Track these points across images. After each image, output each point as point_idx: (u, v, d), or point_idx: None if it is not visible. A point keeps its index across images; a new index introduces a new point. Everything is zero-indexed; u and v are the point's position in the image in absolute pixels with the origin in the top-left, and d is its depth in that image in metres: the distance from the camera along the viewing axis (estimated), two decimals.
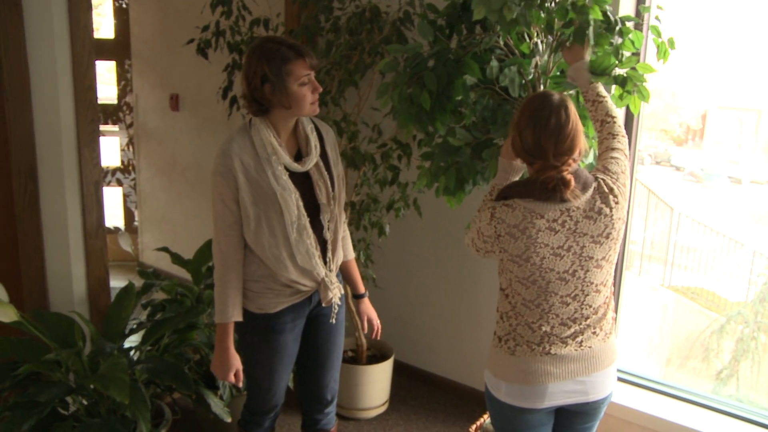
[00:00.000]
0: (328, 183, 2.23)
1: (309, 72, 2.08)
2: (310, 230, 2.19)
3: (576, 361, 1.93)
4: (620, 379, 3.30)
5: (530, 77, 2.29)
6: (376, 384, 3.48)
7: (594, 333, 1.94)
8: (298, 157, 2.22)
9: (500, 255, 1.89)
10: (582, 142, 1.86)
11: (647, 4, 2.90)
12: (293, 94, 2.06)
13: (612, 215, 1.86)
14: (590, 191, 1.85)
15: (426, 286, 3.74)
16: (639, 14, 2.91)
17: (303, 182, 2.19)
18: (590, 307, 1.92)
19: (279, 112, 2.12)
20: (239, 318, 2.21)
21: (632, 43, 2.27)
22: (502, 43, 2.31)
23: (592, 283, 1.90)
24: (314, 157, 2.20)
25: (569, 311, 1.90)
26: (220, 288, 2.18)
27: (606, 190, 1.87)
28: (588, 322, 1.93)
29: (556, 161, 1.81)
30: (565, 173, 1.81)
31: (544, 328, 1.90)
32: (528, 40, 2.29)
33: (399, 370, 3.79)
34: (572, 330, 1.91)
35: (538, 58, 2.24)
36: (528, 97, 1.90)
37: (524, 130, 1.83)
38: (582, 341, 1.93)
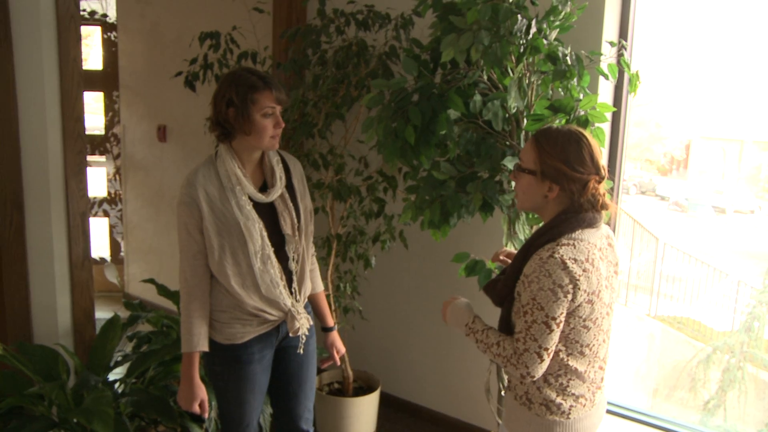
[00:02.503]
0: (293, 214, 2.26)
1: (274, 105, 2.11)
2: (274, 260, 2.20)
3: (603, 403, 1.92)
4: (607, 411, 3.30)
5: (513, 111, 2.33)
6: (363, 416, 3.46)
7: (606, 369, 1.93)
8: (264, 188, 2.24)
9: (578, 300, 1.71)
10: None
11: (630, 27, 2.96)
12: (255, 123, 2.09)
13: (615, 245, 1.88)
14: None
15: (413, 317, 3.74)
16: (624, 33, 2.96)
17: (268, 213, 2.21)
18: (608, 343, 1.89)
19: (241, 140, 2.14)
20: (205, 348, 2.20)
21: (607, 77, 2.32)
22: (485, 77, 2.35)
23: (612, 316, 1.87)
24: (279, 188, 2.22)
25: (603, 350, 1.85)
26: (185, 317, 2.18)
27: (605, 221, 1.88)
28: (608, 360, 1.90)
29: (603, 171, 1.79)
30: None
31: (591, 375, 1.83)
32: (511, 74, 2.33)
33: (385, 402, 3.77)
34: (603, 372, 1.88)
35: (515, 93, 2.27)
36: (545, 136, 1.81)
37: (568, 151, 1.76)
38: (603, 381, 1.90)
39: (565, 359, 1.78)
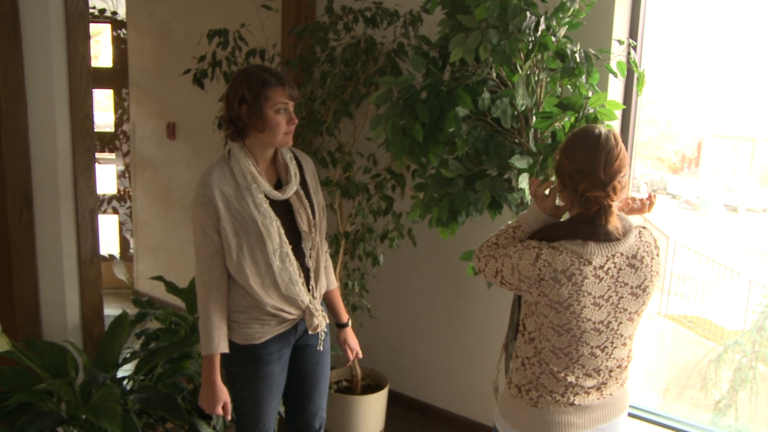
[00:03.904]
0: (309, 211, 2.25)
1: (287, 101, 2.10)
2: (293, 258, 2.19)
3: (598, 410, 1.89)
4: None
5: (522, 108, 2.31)
6: (371, 414, 3.46)
7: (615, 381, 1.90)
8: (278, 185, 2.23)
9: (537, 298, 1.77)
10: (626, 177, 1.79)
11: (641, 23, 2.93)
12: (268, 120, 2.08)
13: (651, 267, 1.81)
14: (632, 237, 1.78)
15: (421, 315, 3.73)
16: (634, 29, 2.94)
17: (284, 210, 2.20)
18: (615, 359, 1.86)
19: (255, 137, 2.13)
20: (225, 349, 2.18)
21: (615, 75, 2.30)
22: (494, 74, 2.34)
23: (621, 336, 1.84)
24: (294, 185, 2.21)
25: (596, 363, 1.83)
26: (204, 320, 2.16)
27: (648, 239, 1.82)
28: (612, 374, 1.88)
29: (605, 177, 1.71)
30: (610, 201, 1.72)
31: (569, 378, 1.82)
32: (520, 71, 2.32)
33: (394, 399, 3.77)
34: (595, 381, 1.86)
35: (523, 91, 2.25)
36: (571, 131, 1.84)
37: (575, 149, 1.75)
38: (603, 390, 1.88)
39: (540, 349, 1.84)
